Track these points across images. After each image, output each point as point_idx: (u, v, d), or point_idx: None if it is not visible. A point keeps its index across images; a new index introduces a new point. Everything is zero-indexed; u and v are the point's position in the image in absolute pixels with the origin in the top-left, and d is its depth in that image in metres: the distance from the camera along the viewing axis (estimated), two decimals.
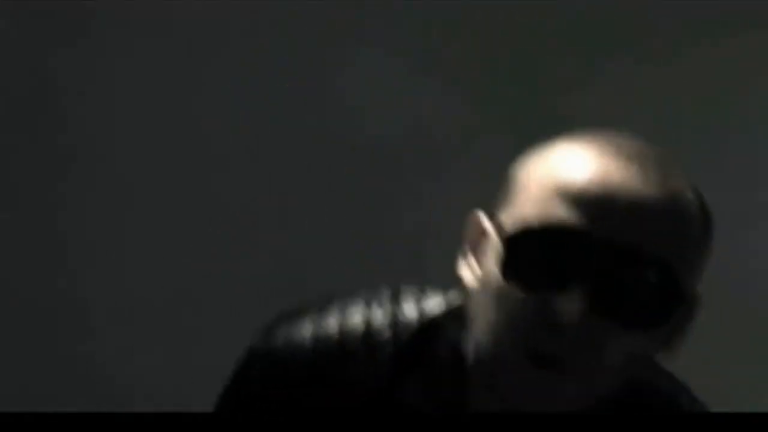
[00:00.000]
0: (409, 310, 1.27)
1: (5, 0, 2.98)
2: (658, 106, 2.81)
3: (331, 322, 1.26)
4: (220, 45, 2.94)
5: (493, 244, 1.17)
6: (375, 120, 2.82)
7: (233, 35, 2.93)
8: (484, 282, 1.18)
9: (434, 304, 1.28)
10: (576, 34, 2.81)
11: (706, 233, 1.17)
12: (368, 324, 1.26)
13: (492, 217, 1.21)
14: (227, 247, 2.85)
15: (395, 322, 1.26)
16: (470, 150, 2.77)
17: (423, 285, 1.32)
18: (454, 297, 1.28)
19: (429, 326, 1.25)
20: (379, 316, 1.26)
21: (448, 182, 2.79)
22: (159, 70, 2.96)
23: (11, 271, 3.01)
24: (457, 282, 1.24)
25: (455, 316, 1.25)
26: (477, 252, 1.21)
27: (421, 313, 1.26)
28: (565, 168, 1.14)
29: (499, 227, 1.17)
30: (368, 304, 1.28)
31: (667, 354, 1.19)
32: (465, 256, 1.23)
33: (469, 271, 1.21)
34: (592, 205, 1.11)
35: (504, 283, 1.14)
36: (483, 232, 1.21)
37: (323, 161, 2.82)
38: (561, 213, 1.12)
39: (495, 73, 2.79)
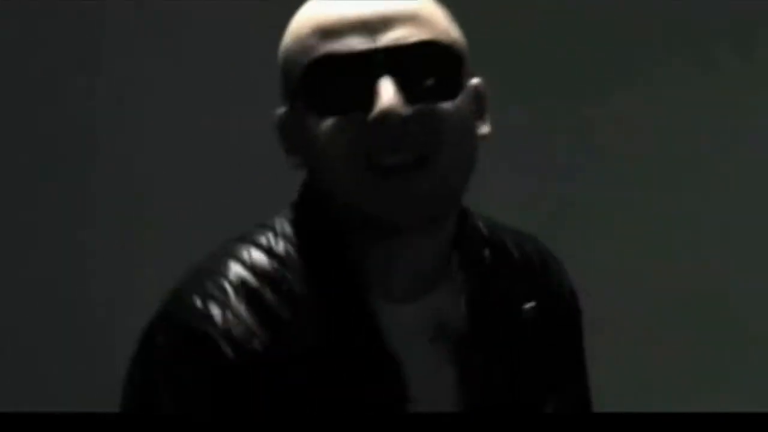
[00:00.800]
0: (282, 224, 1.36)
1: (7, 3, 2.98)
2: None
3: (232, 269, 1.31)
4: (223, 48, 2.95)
5: (299, 109, 1.30)
6: None
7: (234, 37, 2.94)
8: (304, 144, 1.30)
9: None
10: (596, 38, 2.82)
11: (450, 19, 1.34)
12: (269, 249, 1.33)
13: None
14: None
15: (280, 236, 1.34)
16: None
17: None
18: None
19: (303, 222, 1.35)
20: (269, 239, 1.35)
21: None
22: (164, 78, 2.97)
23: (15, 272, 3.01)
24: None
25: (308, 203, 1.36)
26: (289, 139, 1.34)
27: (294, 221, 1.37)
28: (307, 15, 1.31)
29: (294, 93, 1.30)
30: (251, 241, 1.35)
31: (483, 136, 1.34)
32: (284, 149, 1.35)
33: (292, 156, 1.34)
34: (352, 26, 1.27)
35: (319, 122, 1.27)
36: (287, 121, 1.33)
37: None
38: (333, 44, 1.27)
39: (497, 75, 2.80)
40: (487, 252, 1.40)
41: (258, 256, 1.31)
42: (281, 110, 1.36)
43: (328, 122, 1.27)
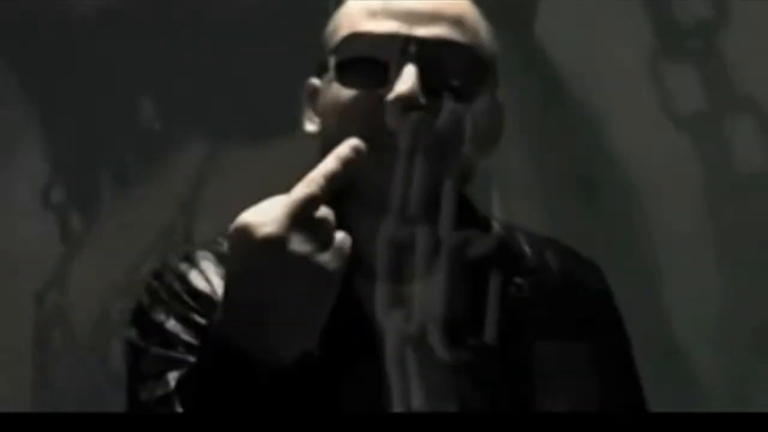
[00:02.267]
0: None
1: None
2: None
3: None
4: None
5: (327, 78, 1.38)
6: None
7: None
8: (324, 110, 1.38)
9: None
10: None
11: (489, 30, 1.41)
12: None
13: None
14: None
15: None
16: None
17: None
18: None
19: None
20: None
21: None
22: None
23: None
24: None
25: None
26: (314, 105, 1.42)
27: None
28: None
29: (330, 59, 1.38)
30: None
31: (489, 149, 1.41)
32: (306, 115, 1.43)
33: (311, 122, 1.42)
34: (397, 13, 1.34)
35: (341, 91, 1.34)
36: (316, 89, 1.42)
37: None
38: (375, 24, 1.35)
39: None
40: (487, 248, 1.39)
41: None
42: (313, 79, 1.43)
43: (350, 93, 1.34)
